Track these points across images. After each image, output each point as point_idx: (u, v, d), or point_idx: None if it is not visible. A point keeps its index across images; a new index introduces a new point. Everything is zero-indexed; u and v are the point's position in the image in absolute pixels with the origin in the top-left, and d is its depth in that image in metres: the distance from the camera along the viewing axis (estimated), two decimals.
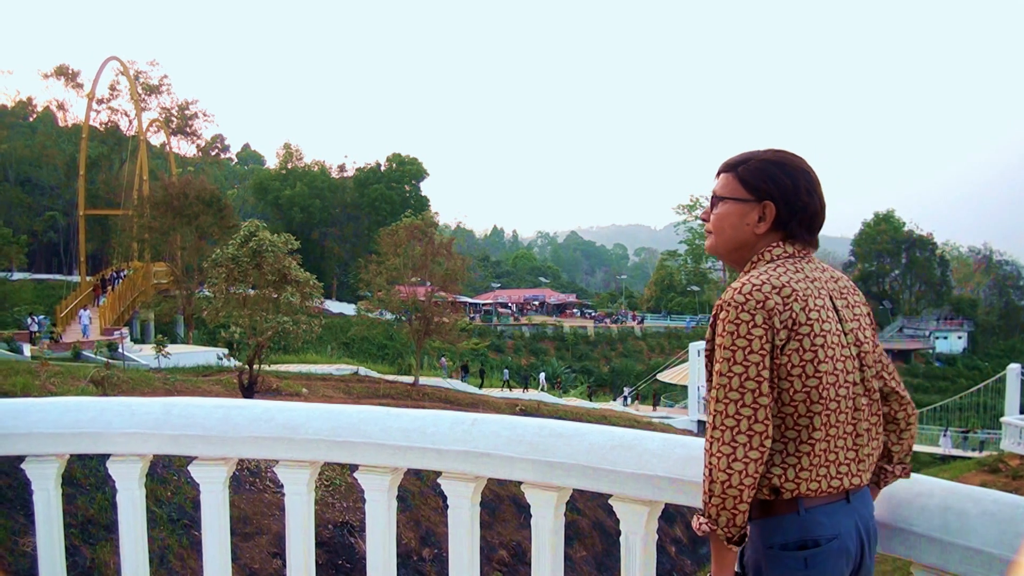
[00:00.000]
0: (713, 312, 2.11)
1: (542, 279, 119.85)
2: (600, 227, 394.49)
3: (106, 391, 16.80)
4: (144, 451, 3.51)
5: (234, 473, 3.51)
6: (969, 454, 40.42)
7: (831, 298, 2.16)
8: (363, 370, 38.49)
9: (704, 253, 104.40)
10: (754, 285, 2.04)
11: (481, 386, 46.86)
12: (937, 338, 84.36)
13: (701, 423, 46.95)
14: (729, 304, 2.05)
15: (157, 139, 72.26)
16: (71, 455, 3.66)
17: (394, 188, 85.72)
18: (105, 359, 26.58)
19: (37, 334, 33.26)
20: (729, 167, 2.27)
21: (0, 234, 49.14)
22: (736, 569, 2.14)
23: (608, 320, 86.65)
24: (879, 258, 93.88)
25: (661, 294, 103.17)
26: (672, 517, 23.89)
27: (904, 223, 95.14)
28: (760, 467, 2.01)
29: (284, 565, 3.44)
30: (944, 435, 42.75)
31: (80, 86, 73.33)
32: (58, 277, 63.33)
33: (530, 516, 3.08)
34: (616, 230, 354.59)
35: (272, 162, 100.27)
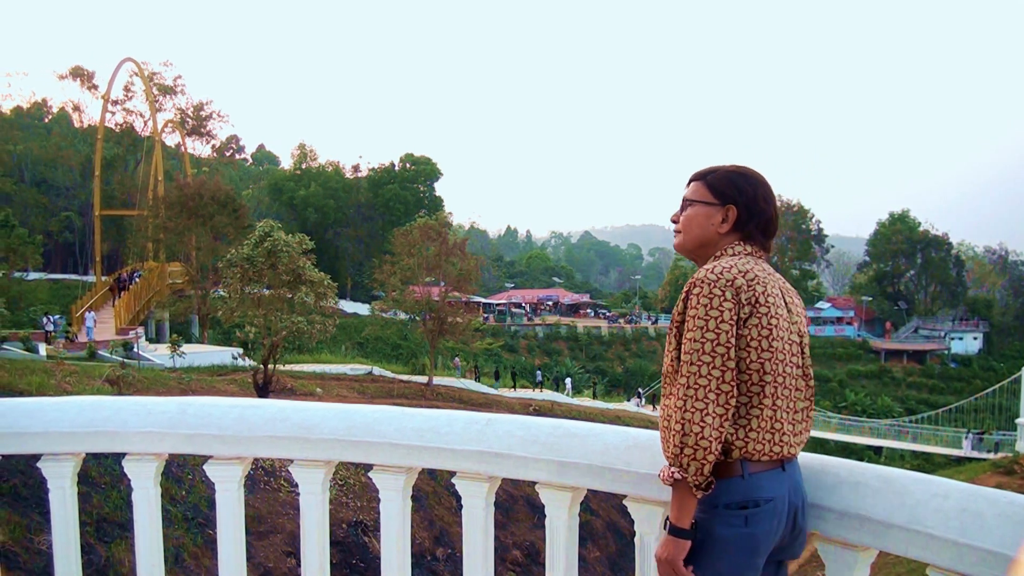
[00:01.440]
0: (685, 290, 2.36)
1: (556, 279, 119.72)
2: (614, 227, 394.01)
3: (121, 390, 16.86)
4: (159, 450, 3.52)
5: (249, 472, 3.51)
6: (984, 456, 40.23)
7: (782, 292, 2.46)
8: (377, 370, 38.58)
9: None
10: (724, 268, 2.33)
11: (515, 386, 46.99)
12: (952, 339, 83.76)
13: None
14: (703, 281, 2.31)
15: (172, 140, 72.39)
16: (87, 454, 3.67)
17: (408, 188, 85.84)
18: (120, 359, 26.69)
19: (53, 334, 33.37)
20: (699, 176, 2.59)
21: (16, 234, 49.29)
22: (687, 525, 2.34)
23: (622, 320, 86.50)
24: (894, 258, 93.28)
25: (675, 294, 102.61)
26: None
27: (919, 223, 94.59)
28: (727, 422, 2.27)
29: (298, 564, 3.44)
30: (966, 437, 42.42)
31: (95, 87, 73.49)
32: (73, 277, 63.63)
33: (544, 516, 3.08)
34: (630, 230, 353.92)
35: (287, 163, 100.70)
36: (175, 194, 45.52)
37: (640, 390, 56.19)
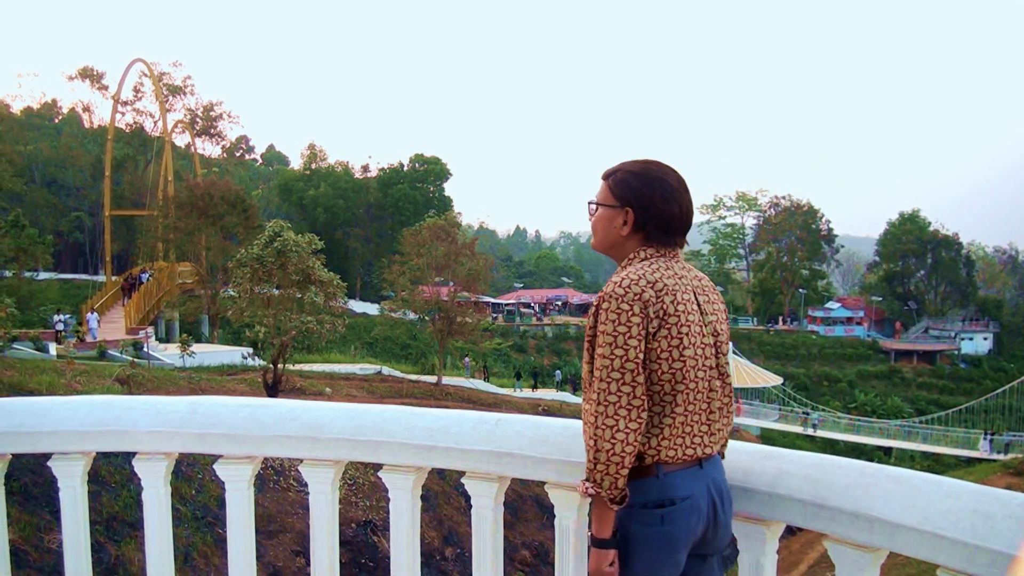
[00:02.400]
0: (595, 304, 2.39)
1: (565, 279, 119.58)
2: None
3: (131, 390, 16.90)
4: (170, 449, 3.53)
5: (258, 472, 3.51)
6: (995, 456, 40.11)
7: (695, 293, 2.49)
8: (386, 370, 38.60)
9: (727, 253, 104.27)
10: (632, 280, 2.36)
11: (535, 387, 46.96)
12: (962, 339, 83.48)
13: None
14: (611, 296, 2.34)
15: (182, 140, 72.59)
16: (97, 453, 3.68)
17: (417, 188, 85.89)
18: (130, 358, 26.75)
19: (63, 333, 33.47)
20: (605, 176, 2.62)
21: (26, 234, 49.42)
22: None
23: None
24: (904, 258, 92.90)
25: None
26: None
27: (929, 223, 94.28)
28: (639, 437, 2.31)
29: (307, 563, 3.45)
30: (985, 438, 42.22)
31: (105, 88, 73.71)
32: (84, 277, 63.80)
33: (553, 516, 3.08)
34: None
35: (296, 163, 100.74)
36: (185, 194, 45.68)
37: None
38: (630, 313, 2.31)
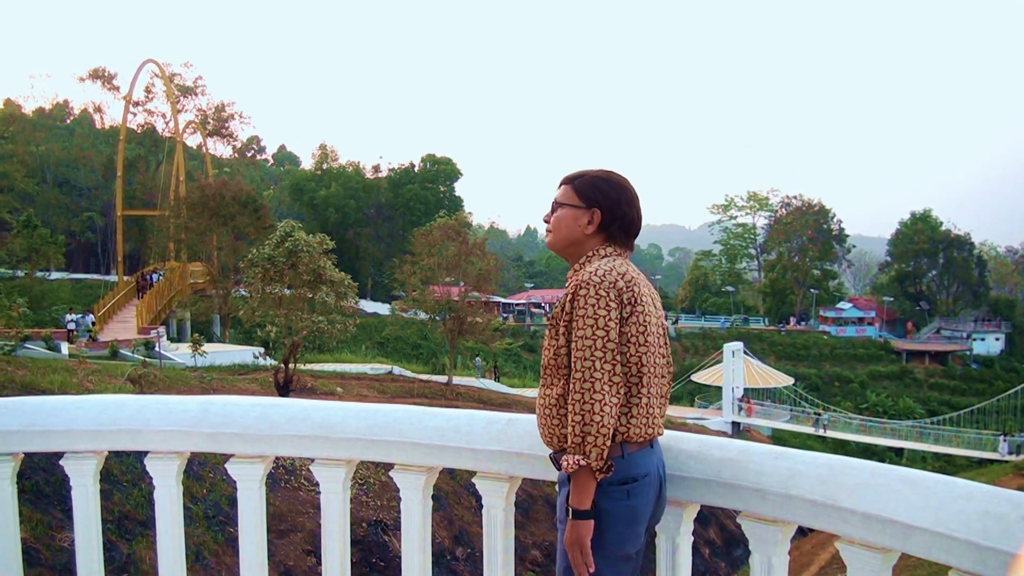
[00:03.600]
0: (571, 290, 2.57)
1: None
2: None
3: (143, 389, 16.94)
4: (182, 449, 3.54)
5: (269, 471, 3.52)
6: (1007, 457, 39.91)
7: (648, 290, 2.70)
8: (397, 369, 38.60)
9: (738, 253, 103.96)
10: (606, 270, 2.56)
11: None
12: (974, 340, 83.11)
13: (736, 424, 46.67)
14: (589, 283, 2.52)
15: (193, 141, 72.77)
16: (109, 452, 3.70)
17: (428, 188, 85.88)
18: (142, 358, 26.82)
19: (75, 333, 33.57)
20: (568, 180, 2.83)
21: (38, 234, 49.60)
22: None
23: None
24: (916, 258, 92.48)
25: (695, 294, 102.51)
26: (706, 519, 23.77)
27: (941, 223, 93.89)
28: (619, 410, 2.52)
29: (318, 562, 3.46)
30: (1003, 440, 41.95)
31: (116, 89, 73.85)
32: (96, 277, 63.92)
33: None
34: (650, 230, 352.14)
35: (308, 163, 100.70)
36: (196, 194, 45.79)
37: None
38: (607, 298, 2.49)
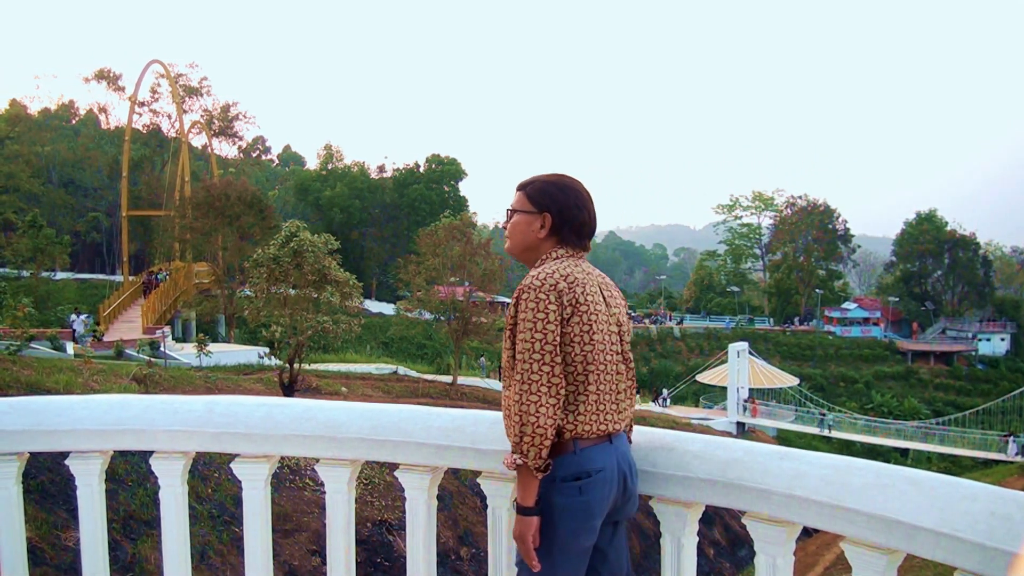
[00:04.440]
0: (515, 296, 2.65)
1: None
2: (639, 227, 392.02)
3: (148, 389, 16.95)
4: (186, 448, 3.55)
5: (275, 471, 3.52)
6: (1015, 459, 39.83)
7: (600, 288, 2.78)
8: (402, 369, 38.65)
9: (743, 253, 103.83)
10: (547, 274, 2.63)
11: None
12: (980, 340, 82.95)
13: (741, 425, 46.64)
14: (530, 288, 2.60)
15: (199, 141, 72.77)
16: (114, 452, 3.70)
17: (433, 188, 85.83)
18: (147, 357, 26.84)
19: (81, 333, 33.59)
20: (521, 187, 2.90)
21: (44, 234, 49.67)
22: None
23: (647, 320, 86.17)
24: (921, 258, 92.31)
25: (700, 294, 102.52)
26: (711, 519, 23.76)
27: (946, 223, 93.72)
28: (559, 411, 2.58)
29: (324, 562, 3.45)
30: (1012, 441, 41.82)
31: (122, 89, 73.93)
32: (101, 277, 64.03)
33: None
34: (655, 230, 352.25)
35: (313, 163, 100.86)
36: (202, 194, 45.81)
37: (664, 391, 55.90)
38: (547, 302, 2.57)
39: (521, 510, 2.62)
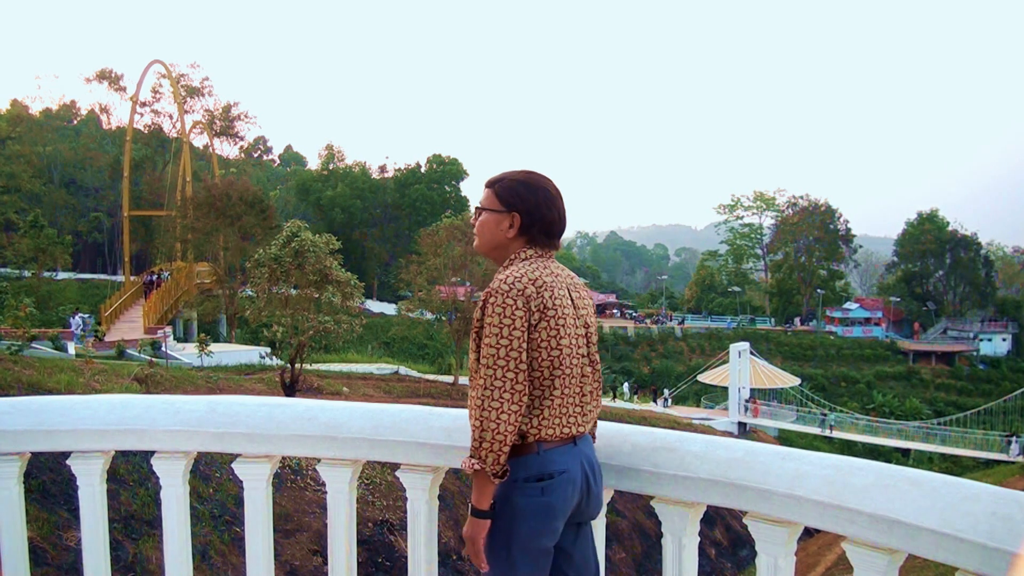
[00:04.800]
0: (482, 299, 2.63)
1: (581, 279, 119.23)
2: (641, 227, 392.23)
3: (150, 389, 16.95)
4: (188, 448, 3.54)
5: (276, 471, 3.52)
6: (1018, 459, 39.79)
7: (568, 290, 2.75)
8: (403, 370, 38.66)
9: (744, 253, 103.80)
10: (515, 278, 2.60)
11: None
12: (981, 340, 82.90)
13: (742, 425, 46.65)
14: (497, 292, 2.58)
15: (200, 141, 72.87)
16: (115, 451, 3.70)
17: (434, 188, 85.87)
18: (148, 357, 26.85)
19: (83, 333, 33.60)
20: (489, 184, 2.86)
21: (45, 234, 49.79)
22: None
23: (649, 320, 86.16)
24: (923, 258, 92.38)
25: (702, 294, 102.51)
26: (712, 520, 23.77)
27: (948, 223, 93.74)
28: (520, 418, 2.55)
29: (325, 562, 3.46)
30: (1014, 441, 41.73)
31: (123, 89, 74.17)
32: (102, 277, 64.08)
33: None
34: (657, 230, 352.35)
35: (314, 163, 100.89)
36: (203, 195, 45.90)
37: (666, 391, 55.91)
38: (514, 307, 2.55)
39: (475, 512, 2.62)
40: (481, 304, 2.64)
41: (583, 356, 2.76)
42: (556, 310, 2.63)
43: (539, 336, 2.60)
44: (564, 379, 2.66)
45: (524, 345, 2.56)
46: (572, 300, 2.75)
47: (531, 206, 2.76)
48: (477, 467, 2.55)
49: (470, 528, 2.63)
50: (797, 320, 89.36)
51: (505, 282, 2.59)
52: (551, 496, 2.64)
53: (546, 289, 2.62)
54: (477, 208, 2.88)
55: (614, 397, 50.13)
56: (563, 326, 2.65)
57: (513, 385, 2.53)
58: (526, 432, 2.63)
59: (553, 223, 2.80)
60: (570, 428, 2.70)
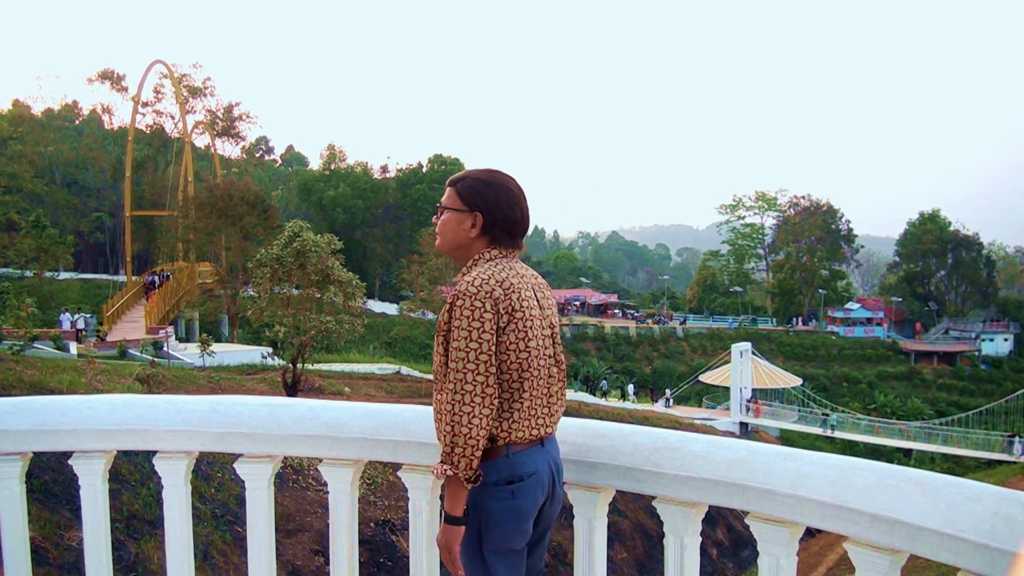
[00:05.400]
0: (449, 302, 2.60)
1: (583, 279, 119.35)
2: (642, 227, 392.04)
3: (152, 389, 16.96)
4: (190, 448, 3.55)
5: (278, 471, 3.53)
6: (1021, 459, 39.76)
7: (533, 290, 2.75)
8: (405, 369, 38.63)
9: (746, 253, 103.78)
10: (483, 280, 2.58)
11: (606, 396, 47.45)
12: (983, 340, 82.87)
13: (744, 425, 46.63)
14: (465, 295, 2.55)
15: (202, 141, 73.05)
16: (117, 451, 3.70)
17: (436, 188, 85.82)
18: (150, 357, 26.87)
19: (84, 332, 33.66)
20: (452, 183, 2.84)
21: (47, 234, 49.83)
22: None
23: (650, 321, 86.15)
24: (924, 259, 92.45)
25: (704, 295, 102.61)
26: (714, 520, 23.75)
27: (950, 223, 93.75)
28: (491, 422, 2.55)
29: (327, 562, 3.46)
30: (1018, 441, 41.61)
31: (125, 89, 74.35)
32: (104, 277, 64.16)
33: (571, 516, 3.08)
34: (658, 230, 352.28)
35: (316, 163, 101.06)
36: (205, 195, 46.00)
37: (668, 391, 55.89)
38: (483, 310, 2.53)
39: (448, 519, 2.60)
40: (448, 307, 2.61)
41: (550, 356, 2.77)
42: (523, 312, 2.63)
43: (507, 339, 2.59)
44: (532, 381, 2.67)
45: (494, 348, 2.55)
46: (537, 300, 2.76)
47: (493, 205, 2.75)
48: (449, 473, 2.54)
49: (444, 535, 2.62)
50: (799, 320, 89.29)
51: (472, 284, 2.57)
52: (521, 499, 2.65)
53: (513, 291, 2.62)
54: (439, 206, 2.86)
55: (623, 398, 50.21)
56: (531, 328, 2.65)
57: (483, 388, 2.52)
58: (496, 435, 2.63)
59: (516, 223, 2.80)
60: (538, 430, 2.71)
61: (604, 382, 57.62)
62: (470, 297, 2.54)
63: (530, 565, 2.88)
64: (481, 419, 2.50)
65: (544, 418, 2.73)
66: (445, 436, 2.54)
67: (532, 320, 2.66)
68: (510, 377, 2.62)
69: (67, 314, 36.63)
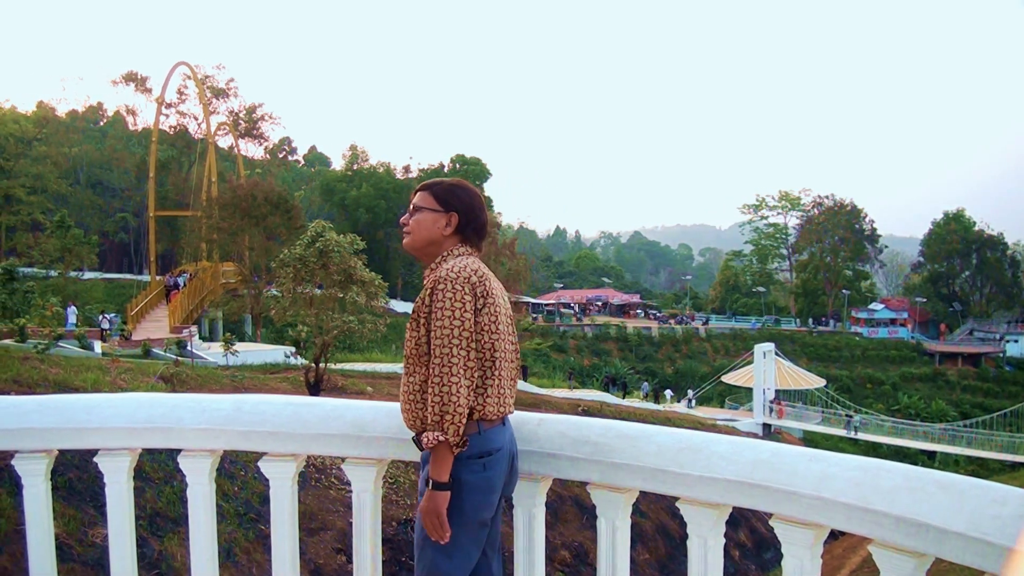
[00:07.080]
0: (430, 285, 2.86)
1: (605, 279, 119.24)
2: (665, 227, 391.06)
3: (175, 388, 17.03)
4: (214, 447, 3.57)
5: (301, 469, 3.55)
6: None
7: (497, 284, 3.03)
8: None
9: (769, 253, 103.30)
10: (461, 267, 2.86)
11: (624, 395, 47.30)
12: (1008, 341, 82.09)
13: (767, 426, 46.37)
14: (446, 279, 2.81)
15: (225, 142, 73.27)
16: (142, 450, 3.72)
17: None
18: (174, 356, 26.99)
19: (108, 332, 33.86)
20: (426, 187, 3.12)
21: (72, 234, 50.10)
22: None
23: (672, 321, 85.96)
24: (949, 259, 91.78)
25: (726, 295, 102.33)
26: (737, 521, 23.66)
27: (974, 222, 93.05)
28: (473, 392, 2.82)
29: (349, 561, 3.48)
30: None
31: (149, 91, 74.73)
32: (128, 276, 64.61)
33: (594, 517, 3.08)
34: (681, 230, 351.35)
35: (338, 164, 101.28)
36: (228, 195, 46.16)
37: (690, 391, 55.73)
38: (463, 292, 2.79)
39: (436, 485, 2.76)
40: (429, 291, 2.85)
41: (513, 343, 3.05)
42: (494, 298, 2.90)
43: (483, 320, 2.84)
44: (502, 361, 2.92)
45: (473, 327, 2.80)
46: (500, 293, 3.03)
47: (467, 208, 3.06)
48: (441, 439, 2.71)
49: (430, 502, 2.77)
50: (822, 321, 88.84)
51: (452, 270, 2.83)
52: (491, 471, 2.90)
53: (486, 279, 2.91)
54: (413, 207, 3.09)
55: (657, 399, 50.13)
56: (499, 313, 2.92)
57: (466, 362, 2.76)
58: (472, 410, 2.84)
59: (484, 225, 3.16)
60: (505, 408, 2.95)
61: (623, 382, 57.54)
62: (451, 281, 2.80)
63: (491, 534, 3.11)
64: (466, 389, 2.75)
65: (509, 398, 2.98)
66: (435, 406, 2.72)
67: (500, 306, 2.94)
68: (484, 356, 2.86)
69: (105, 315, 36.86)
